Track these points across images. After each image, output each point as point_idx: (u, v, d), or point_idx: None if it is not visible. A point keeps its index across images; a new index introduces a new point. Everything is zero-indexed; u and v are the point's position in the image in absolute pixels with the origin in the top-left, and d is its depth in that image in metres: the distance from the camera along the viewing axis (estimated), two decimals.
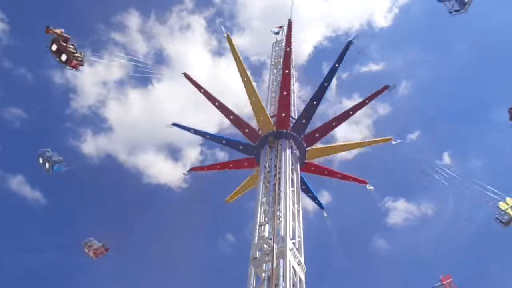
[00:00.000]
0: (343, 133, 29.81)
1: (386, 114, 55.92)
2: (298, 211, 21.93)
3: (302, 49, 52.87)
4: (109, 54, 62.83)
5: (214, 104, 28.29)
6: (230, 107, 28.22)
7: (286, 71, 27.44)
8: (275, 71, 32.70)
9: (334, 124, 27.46)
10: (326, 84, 26.79)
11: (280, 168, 23.12)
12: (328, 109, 27.34)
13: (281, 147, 25.02)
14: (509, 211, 24.58)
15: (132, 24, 65.89)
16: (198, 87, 29.08)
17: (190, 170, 31.40)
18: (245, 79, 27.65)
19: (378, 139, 29.16)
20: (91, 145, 58.95)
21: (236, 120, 27.73)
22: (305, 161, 27.45)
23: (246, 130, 27.30)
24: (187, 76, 29.48)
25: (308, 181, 30.02)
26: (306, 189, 30.07)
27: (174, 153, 58.36)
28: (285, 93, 26.92)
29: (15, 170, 56.70)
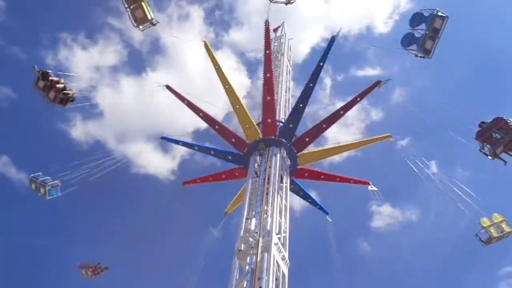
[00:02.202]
0: (335, 137, 28.85)
1: (379, 119, 56.30)
2: (286, 207, 22.03)
3: (300, 49, 52.87)
4: (104, 39, 62.43)
5: (198, 114, 27.57)
6: (224, 102, 27.85)
7: (268, 74, 26.37)
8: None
9: (324, 126, 26.21)
10: (311, 85, 25.72)
11: (269, 167, 22.93)
12: (320, 111, 27.24)
13: (270, 153, 24.17)
14: (491, 229, 23.30)
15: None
16: (182, 98, 28.37)
17: (184, 183, 30.48)
18: (227, 86, 26.68)
19: (377, 137, 28.04)
20: (80, 130, 58.31)
21: (221, 130, 26.94)
22: (298, 167, 26.48)
23: (233, 140, 26.49)
24: (169, 88, 28.86)
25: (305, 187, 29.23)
26: (304, 195, 29.30)
27: (164, 144, 57.93)
28: (268, 98, 26.00)
29: (0, 150, 55.99)
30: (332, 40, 26.04)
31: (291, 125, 25.67)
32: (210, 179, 29.54)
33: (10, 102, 56.06)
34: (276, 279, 17.40)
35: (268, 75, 26.22)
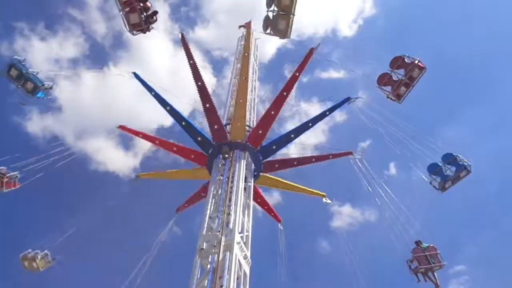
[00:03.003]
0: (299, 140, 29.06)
1: (342, 122, 57.60)
2: (249, 206, 22.04)
3: (266, 50, 53.20)
4: (65, 31, 59.98)
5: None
6: (190, 99, 27.32)
7: (244, 78, 26.21)
8: (238, 65, 32.34)
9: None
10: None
11: (234, 167, 22.79)
12: (285, 112, 27.43)
13: (235, 157, 23.74)
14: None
15: (92, 1, 63.19)
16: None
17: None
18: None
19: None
20: (37, 125, 55.79)
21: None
22: (261, 173, 26.28)
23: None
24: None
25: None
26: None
27: (126, 140, 56.44)
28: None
29: None
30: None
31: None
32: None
33: None
34: (237, 278, 17.35)
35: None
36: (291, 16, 22.24)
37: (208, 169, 25.06)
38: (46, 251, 26.38)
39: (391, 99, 25.41)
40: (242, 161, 23.37)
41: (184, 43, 27.06)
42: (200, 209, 28.71)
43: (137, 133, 28.58)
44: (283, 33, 23.14)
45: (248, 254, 19.09)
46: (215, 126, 25.23)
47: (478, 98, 64.90)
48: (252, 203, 22.75)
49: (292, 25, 22.70)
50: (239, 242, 18.52)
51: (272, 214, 29.98)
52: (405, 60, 24.72)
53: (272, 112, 25.43)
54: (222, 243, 17.74)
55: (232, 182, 21.82)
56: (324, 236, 62.11)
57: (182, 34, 27.32)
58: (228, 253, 17.41)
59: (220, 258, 17.09)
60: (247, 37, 31.90)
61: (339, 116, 58.79)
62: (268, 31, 23.29)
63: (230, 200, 20.58)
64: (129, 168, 55.95)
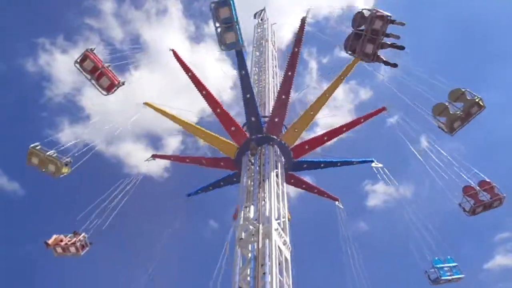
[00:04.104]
0: (324, 119, 28.28)
1: (368, 99, 56.51)
2: (283, 192, 22.06)
3: (282, 35, 52.51)
4: (84, 41, 61.30)
5: (201, 92, 25.17)
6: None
7: (243, 72, 24.40)
8: (257, 53, 32.13)
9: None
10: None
11: (264, 157, 22.81)
12: (308, 95, 26.84)
13: (263, 151, 23.48)
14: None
15: (106, 8, 64.24)
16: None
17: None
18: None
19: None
20: (69, 135, 57.51)
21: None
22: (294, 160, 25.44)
23: (233, 129, 24.92)
24: (175, 54, 25.92)
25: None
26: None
27: (154, 141, 57.78)
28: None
29: None
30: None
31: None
32: (187, 160, 28.45)
33: None
34: (279, 264, 17.54)
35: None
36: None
37: (238, 166, 24.84)
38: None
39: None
40: (272, 152, 23.29)
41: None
42: (231, 201, 29.02)
43: (168, 157, 29.47)
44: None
45: (287, 239, 19.19)
46: (232, 128, 24.83)
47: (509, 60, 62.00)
48: (285, 189, 22.73)
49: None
50: (277, 229, 18.62)
51: (326, 195, 29.27)
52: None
53: (283, 97, 24.42)
54: (261, 231, 17.92)
55: (263, 170, 21.90)
56: (361, 216, 61.67)
57: (173, 51, 25.92)
58: (267, 241, 17.58)
59: (260, 246, 17.28)
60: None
61: (364, 93, 57.79)
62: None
63: (263, 188, 20.69)
64: (160, 168, 56.94)
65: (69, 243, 23.14)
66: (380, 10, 21.23)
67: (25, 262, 50.56)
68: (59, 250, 23.19)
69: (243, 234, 18.80)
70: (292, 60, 24.34)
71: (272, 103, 27.69)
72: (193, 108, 29.34)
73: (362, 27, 21.46)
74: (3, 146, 57.02)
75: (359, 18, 21.66)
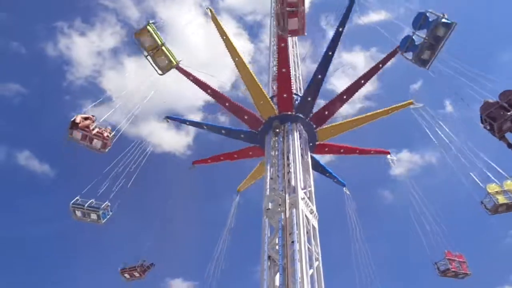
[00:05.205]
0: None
1: (390, 66, 54.79)
2: (307, 162, 22.05)
3: None
4: (101, 22, 61.52)
5: (206, 91, 25.04)
6: (229, 71, 26.13)
7: (282, 44, 23.09)
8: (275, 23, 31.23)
9: (345, 97, 24.14)
10: (330, 53, 23.16)
11: (287, 136, 22.15)
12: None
13: (287, 129, 22.64)
14: (498, 196, 20.84)
15: None
16: (189, 76, 25.01)
17: (194, 163, 28.94)
18: (237, 59, 24.08)
19: (398, 105, 25.40)
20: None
21: (233, 107, 24.66)
22: (317, 143, 24.87)
23: (246, 117, 24.38)
24: (179, 69, 24.71)
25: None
26: (322, 170, 28.08)
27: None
28: (283, 70, 23.35)
29: (22, 145, 57.11)
30: (351, 4, 22.92)
31: (309, 99, 23.65)
32: (221, 158, 28.03)
33: (21, 98, 56.66)
34: (307, 232, 17.76)
35: (282, 44, 23.09)
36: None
37: (261, 145, 24.29)
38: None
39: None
40: (295, 131, 22.56)
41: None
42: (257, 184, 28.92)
43: (205, 161, 28.65)
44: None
45: (314, 208, 19.32)
46: (245, 117, 24.31)
47: None
48: (310, 160, 22.67)
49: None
50: (303, 198, 18.77)
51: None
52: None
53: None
54: (287, 201, 18.11)
55: (287, 142, 21.80)
56: (385, 186, 61.32)
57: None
58: (294, 210, 17.77)
59: (287, 216, 17.49)
60: None
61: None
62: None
63: (288, 159, 20.71)
64: (183, 146, 57.62)
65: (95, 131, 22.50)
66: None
67: (62, 237, 52.58)
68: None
69: (270, 204, 19.03)
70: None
71: (293, 73, 27.16)
72: (212, 82, 29.04)
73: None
74: (31, 131, 58.94)
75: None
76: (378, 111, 25.57)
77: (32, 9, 58.51)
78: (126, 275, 26.65)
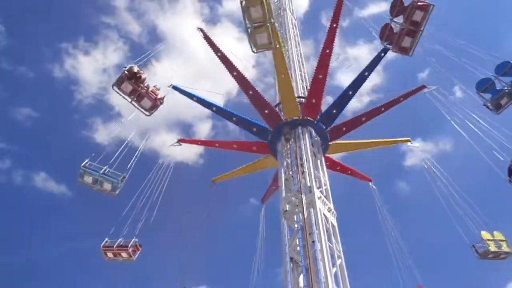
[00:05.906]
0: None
1: (395, 56, 54.35)
2: (321, 160, 21.98)
3: (299, 2, 51.22)
4: (104, 39, 62.30)
5: (232, 73, 23.61)
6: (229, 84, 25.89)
7: (327, 51, 22.69)
8: (276, 24, 31.19)
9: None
10: (327, 51, 22.91)
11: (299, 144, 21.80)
12: (332, 62, 25.70)
13: (298, 135, 22.33)
14: (490, 243, 21.63)
15: (120, 3, 64.63)
16: (216, 49, 24.04)
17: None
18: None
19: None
20: (104, 134, 59.31)
21: (255, 97, 23.47)
22: (330, 142, 24.28)
23: (266, 111, 23.41)
24: (202, 31, 24.39)
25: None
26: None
27: (185, 129, 58.42)
28: (320, 76, 22.93)
29: (37, 168, 58.02)
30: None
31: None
32: (216, 145, 27.35)
33: (32, 121, 57.49)
34: (326, 230, 17.69)
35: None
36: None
37: (273, 155, 23.87)
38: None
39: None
40: (306, 135, 22.33)
41: (206, 37, 24.39)
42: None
43: (196, 142, 28.45)
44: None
45: (331, 206, 19.25)
46: (266, 111, 23.37)
47: None
48: (323, 158, 22.58)
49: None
50: (320, 197, 18.74)
51: (359, 176, 28.38)
52: None
53: (320, 76, 23.08)
54: (304, 201, 18.07)
55: (299, 147, 21.59)
56: (399, 177, 60.68)
57: (201, 30, 24.46)
58: (312, 209, 17.74)
59: (305, 216, 17.44)
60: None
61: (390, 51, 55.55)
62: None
63: (301, 159, 20.65)
64: (195, 155, 57.97)
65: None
66: None
67: (82, 255, 53.21)
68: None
69: (287, 206, 19.02)
70: (329, 38, 22.98)
71: (298, 73, 27.21)
72: (217, 90, 28.96)
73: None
74: (45, 152, 59.79)
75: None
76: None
77: (37, 32, 59.67)
78: (109, 254, 22.48)
